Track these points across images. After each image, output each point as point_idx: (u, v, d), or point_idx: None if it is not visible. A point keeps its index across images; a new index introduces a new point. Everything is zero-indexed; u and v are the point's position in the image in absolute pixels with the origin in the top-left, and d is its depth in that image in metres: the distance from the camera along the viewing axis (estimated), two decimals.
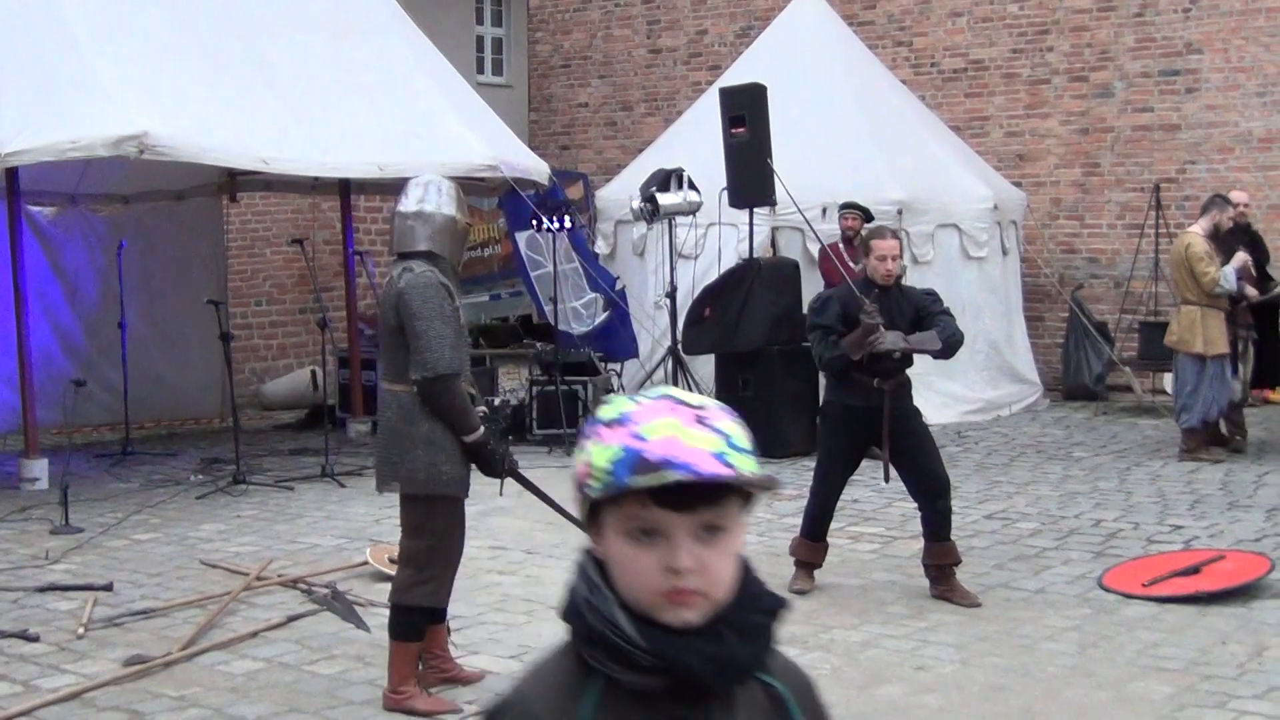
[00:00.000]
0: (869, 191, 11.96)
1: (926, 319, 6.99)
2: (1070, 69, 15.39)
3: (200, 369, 13.11)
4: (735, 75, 13.43)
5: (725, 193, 11.89)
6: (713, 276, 12.20)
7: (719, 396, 11.73)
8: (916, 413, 7.14)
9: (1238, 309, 10.94)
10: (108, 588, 7.36)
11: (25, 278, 10.53)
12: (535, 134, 18.66)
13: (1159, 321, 13.42)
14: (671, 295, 11.98)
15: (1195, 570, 7.24)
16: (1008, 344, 13.91)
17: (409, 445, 5.46)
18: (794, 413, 11.41)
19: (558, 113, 19.16)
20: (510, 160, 11.47)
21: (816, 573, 7.41)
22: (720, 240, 12.50)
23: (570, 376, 12.16)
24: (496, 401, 12.02)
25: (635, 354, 13.12)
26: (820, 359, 7.07)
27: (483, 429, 5.56)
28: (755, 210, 11.94)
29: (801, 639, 6.40)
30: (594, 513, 1.68)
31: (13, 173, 10.03)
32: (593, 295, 13.12)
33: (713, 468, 1.60)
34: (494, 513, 8.48)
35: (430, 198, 5.63)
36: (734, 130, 11.76)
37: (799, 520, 8.97)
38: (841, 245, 11.29)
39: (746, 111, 11.71)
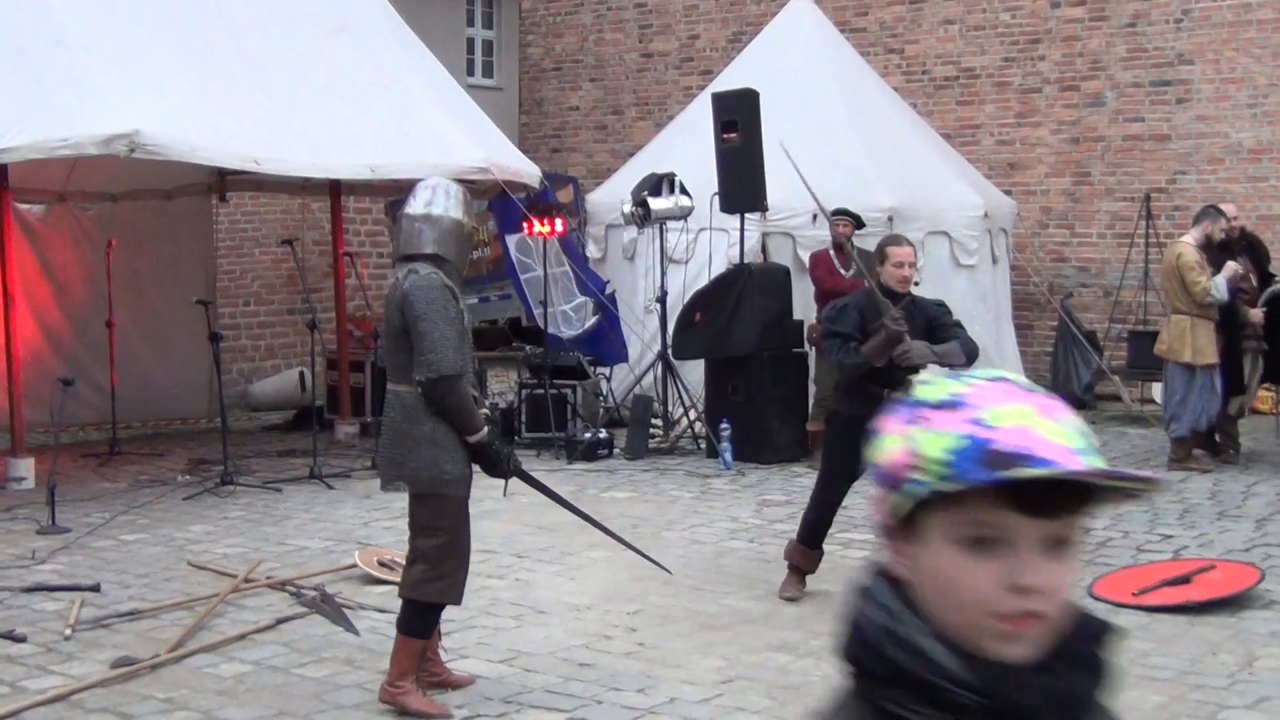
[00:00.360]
0: (860, 198, 11.94)
1: (939, 330, 6.95)
2: (1062, 78, 15.42)
3: (188, 369, 13.06)
4: (726, 81, 13.43)
5: (716, 197, 11.88)
6: (703, 281, 12.20)
7: (708, 402, 11.76)
8: None
9: (1239, 320, 10.89)
10: (95, 588, 7.32)
11: (13, 276, 10.48)
12: (525, 137, 18.64)
13: (1148, 331, 13.45)
14: (662, 300, 11.98)
15: (1185, 580, 7.24)
16: (997, 352, 13.90)
17: (413, 445, 5.48)
18: (783, 419, 11.41)
19: (548, 116, 19.15)
20: (501, 162, 11.45)
21: (810, 579, 7.39)
22: (711, 245, 12.49)
23: (559, 380, 12.14)
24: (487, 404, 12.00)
25: (625, 358, 13.11)
26: (842, 366, 7.00)
27: (487, 429, 5.57)
28: (746, 215, 11.93)
29: (792, 645, 6.40)
30: (908, 519, 1.40)
31: (1, 170, 9.98)
32: (582, 299, 13.10)
33: (1084, 464, 1.34)
34: (483, 516, 8.43)
35: (438, 201, 5.64)
36: (726, 135, 11.77)
37: (789, 526, 8.99)
38: (832, 252, 11.29)
39: (739, 117, 11.72)
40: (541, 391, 11.96)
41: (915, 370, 6.93)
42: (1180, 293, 10.79)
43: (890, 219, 12.50)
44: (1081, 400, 14.22)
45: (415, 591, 5.53)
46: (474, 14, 18.80)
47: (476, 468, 5.64)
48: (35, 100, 9.52)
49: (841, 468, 7.14)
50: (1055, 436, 1.36)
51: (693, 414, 11.85)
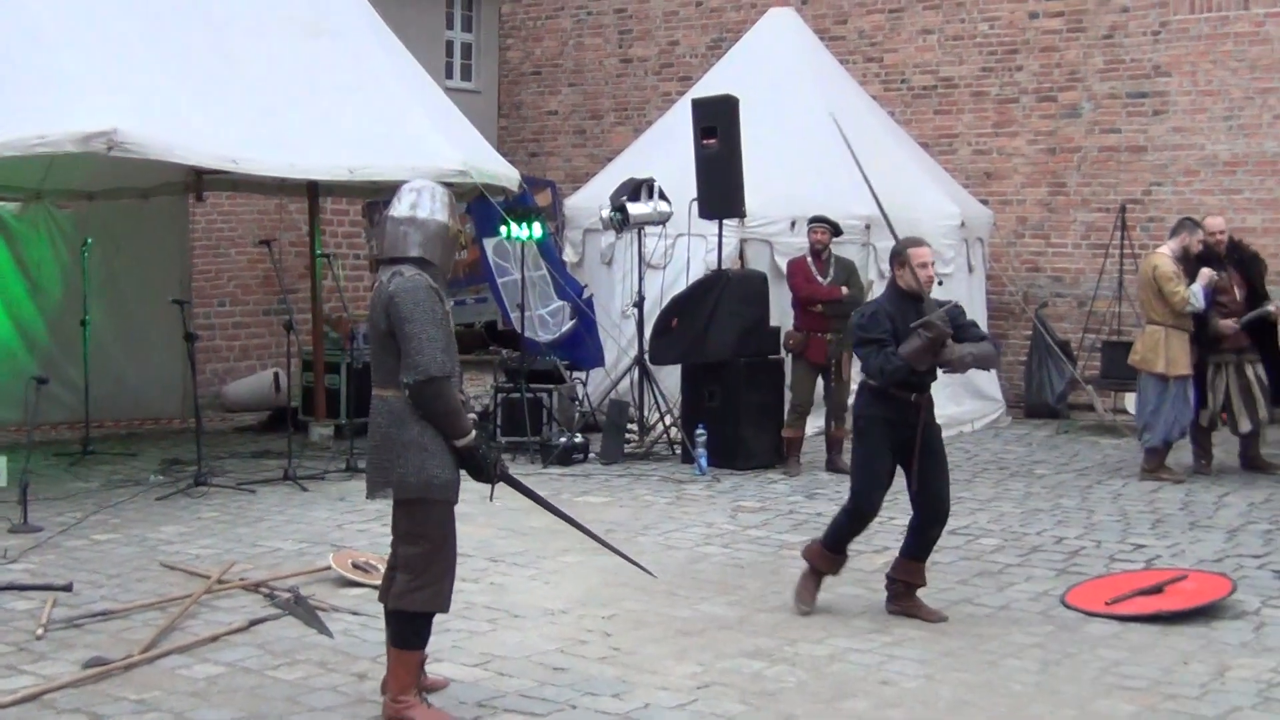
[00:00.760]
0: (838, 205, 11.97)
1: (959, 330, 6.91)
2: (1039, 89, 15.50)
3: (163, 369, 13.02)
4: (706, 87, 13.44)
5: (694, 203, 11.90)
6: (680, 287, 12.20)
7: (684, 407, 11.76)
8: (940, 431, 7.10)
9: (1211, 331, 10.82)
10: (67, 588, 7.28)
11: None
12: (504, 141, 18.64)
13: (1122, 341, 13.52)
14: (639, 305, 11.98)
15: (1158, 590, 7.27)
16: None
17: (400, 450, 5.38)
18: (759, 425, 11.42)
19: (527, 120, 19.15)
20: (480, 165, 11.43)
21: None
22: (689, 251, 12.51)
23: (535, 384, 12.13)
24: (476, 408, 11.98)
25: (601, 363, 13.11)
26: (881, 372, 6.81)
27: (474, 433, 5.48)
28: (724, 221, 11.95)
29: (767, 652, 6.41)
30: None
31: None
32: (560, 303, 13.09)
33: None
34: (458, 520, 8.41)
35: (423, 204, 5.56)
36: (705, 141, 11.78)
37: (763, 532, 9.01)
38: (809, 259, 11.32)
39: (718, 123, 11.73)
40: (517, 395, 11.95)
41: (925, 373, 6.91)
42: (1155, 303, 10.84)
43: (868, 226, 12.52)
44: (1055, 410, 14.30)
45: (401, 602, 5.43)
46: (453, 17, 18.79)
47: (463, 472, 5.57)
48: (12, 98, 9.45)
49: (881, 475, 6.99)
50: None
51: (668, 419, 11.85)
